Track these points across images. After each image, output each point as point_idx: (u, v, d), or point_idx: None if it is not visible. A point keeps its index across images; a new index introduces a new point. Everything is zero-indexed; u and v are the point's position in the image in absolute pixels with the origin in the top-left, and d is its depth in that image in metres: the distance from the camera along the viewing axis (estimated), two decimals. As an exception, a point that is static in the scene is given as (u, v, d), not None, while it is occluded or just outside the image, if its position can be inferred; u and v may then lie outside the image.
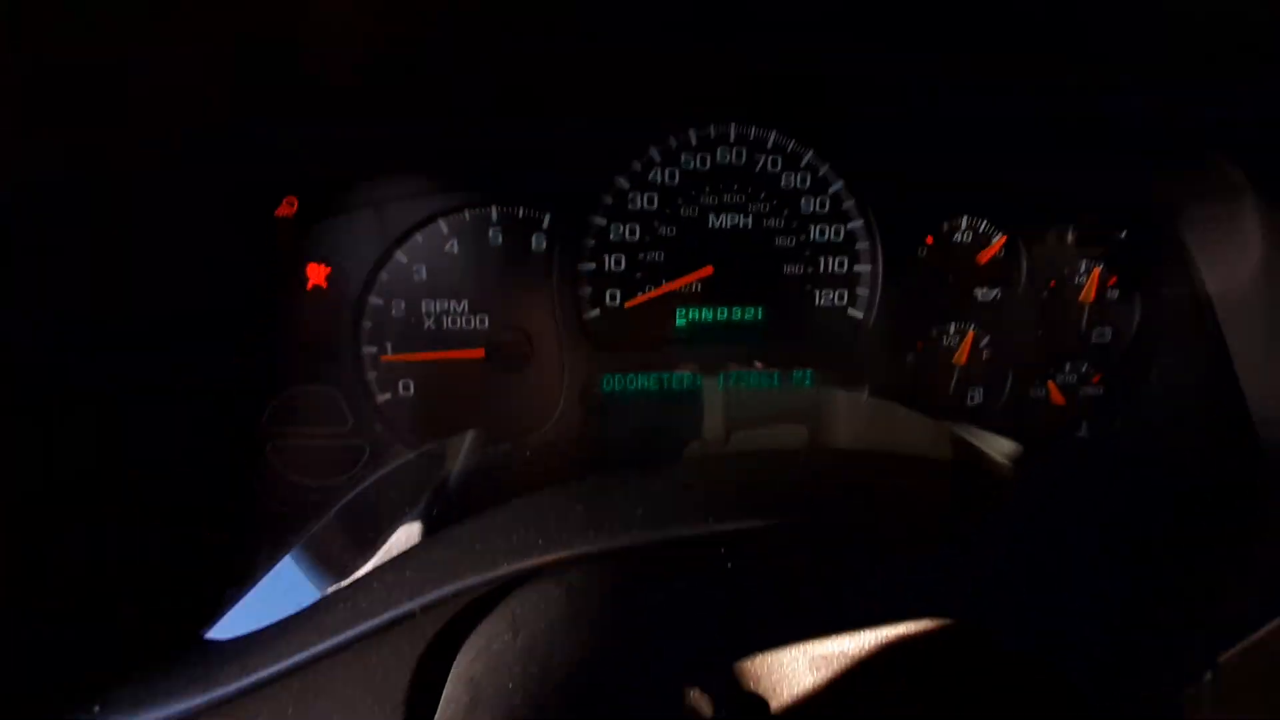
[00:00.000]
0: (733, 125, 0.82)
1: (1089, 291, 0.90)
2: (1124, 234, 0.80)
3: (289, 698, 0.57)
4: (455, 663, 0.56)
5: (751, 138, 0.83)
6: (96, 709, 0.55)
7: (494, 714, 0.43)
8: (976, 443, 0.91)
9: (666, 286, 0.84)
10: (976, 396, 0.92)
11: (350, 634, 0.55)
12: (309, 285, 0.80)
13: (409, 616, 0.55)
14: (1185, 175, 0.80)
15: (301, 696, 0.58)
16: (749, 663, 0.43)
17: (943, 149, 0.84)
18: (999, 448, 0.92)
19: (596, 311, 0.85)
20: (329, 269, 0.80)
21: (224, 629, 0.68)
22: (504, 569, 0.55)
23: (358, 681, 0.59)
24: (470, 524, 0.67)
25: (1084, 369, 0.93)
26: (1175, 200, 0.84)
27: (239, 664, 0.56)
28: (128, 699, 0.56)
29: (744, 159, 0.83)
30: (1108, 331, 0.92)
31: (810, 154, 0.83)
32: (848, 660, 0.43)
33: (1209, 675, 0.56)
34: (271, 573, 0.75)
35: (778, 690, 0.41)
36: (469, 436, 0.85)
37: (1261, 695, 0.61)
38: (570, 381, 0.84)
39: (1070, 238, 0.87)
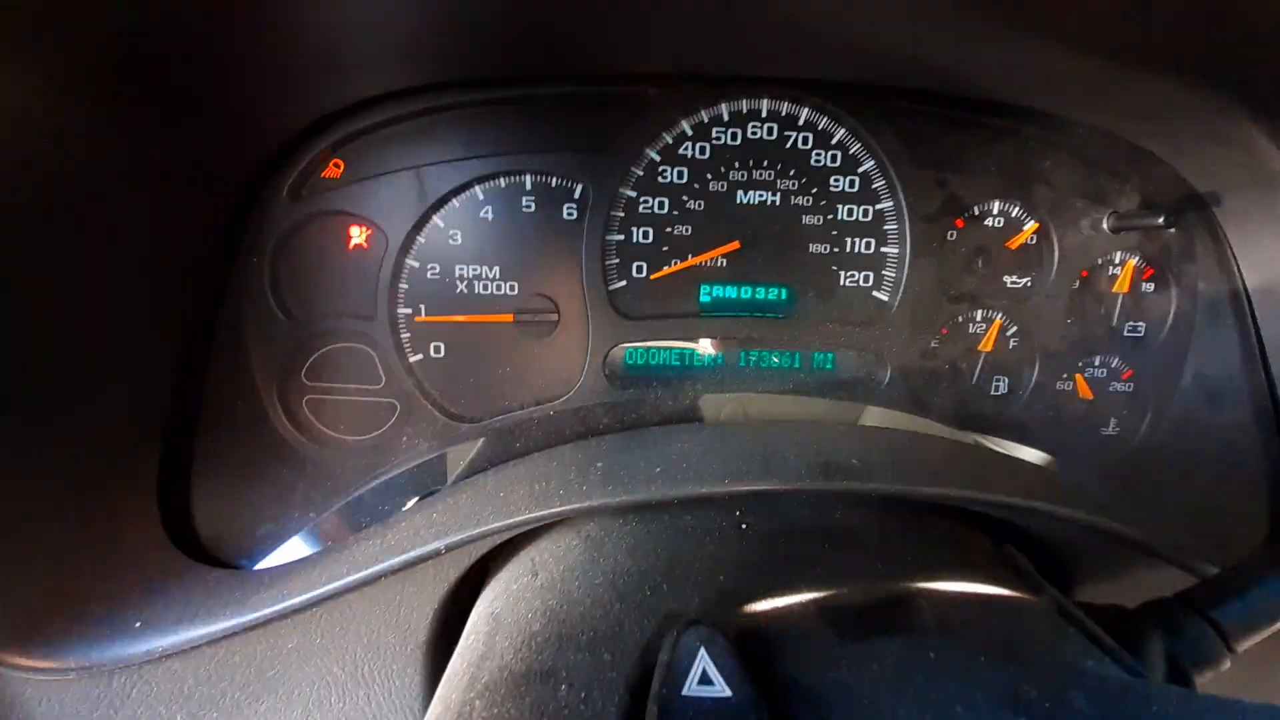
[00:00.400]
0: (765, 100, 0.82)
1: (1123, 283, 0.88)
2: (1160, 222, 0.78)
3: (318, 626, 0.61)
4: (476, 605, 0.58)
5: (783, 114, 0.83)
6: (137, 624, 0.58)
7: (513, 640, 0.45)
8: (1003, 451, 0.91)
9: (692, 260, 0.86)
10: (1001, 386, 0.92)
11: (378, 568, 0.57)
12: (350, 245, 0.83)
13: (434, 555, 0.58)
14: (1224, 164, 0.78)
15: (330, 626, 0.61)
16: (752, 604, 0.44)
17: (978, 133, 0.84)
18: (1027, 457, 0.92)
19: (623, 283, 0.86)
20: (370, 230, 0.83)
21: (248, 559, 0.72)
22: (525, 515, 0.58)
23: (383, 617, 0.62)
24: (495, 474, 0.70)
25: (1114, 363, 0.91)
26: (1214, 190, 0.82)
27: (273, 592, 0.59)
28: (169, 619, 0.60)
29: (775, 135, 0.83)
30: (1141, 325, 0.90)
31: (842, 132, 0.83)
32: (851, 610, 0.44)
33: (1227, 664, 0.55)
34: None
35: (779, 629, 0.42)
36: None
37: (1269, 679, 0.60)
38: (594, 351, 0.86)
39: (1105, 226, 0.85)
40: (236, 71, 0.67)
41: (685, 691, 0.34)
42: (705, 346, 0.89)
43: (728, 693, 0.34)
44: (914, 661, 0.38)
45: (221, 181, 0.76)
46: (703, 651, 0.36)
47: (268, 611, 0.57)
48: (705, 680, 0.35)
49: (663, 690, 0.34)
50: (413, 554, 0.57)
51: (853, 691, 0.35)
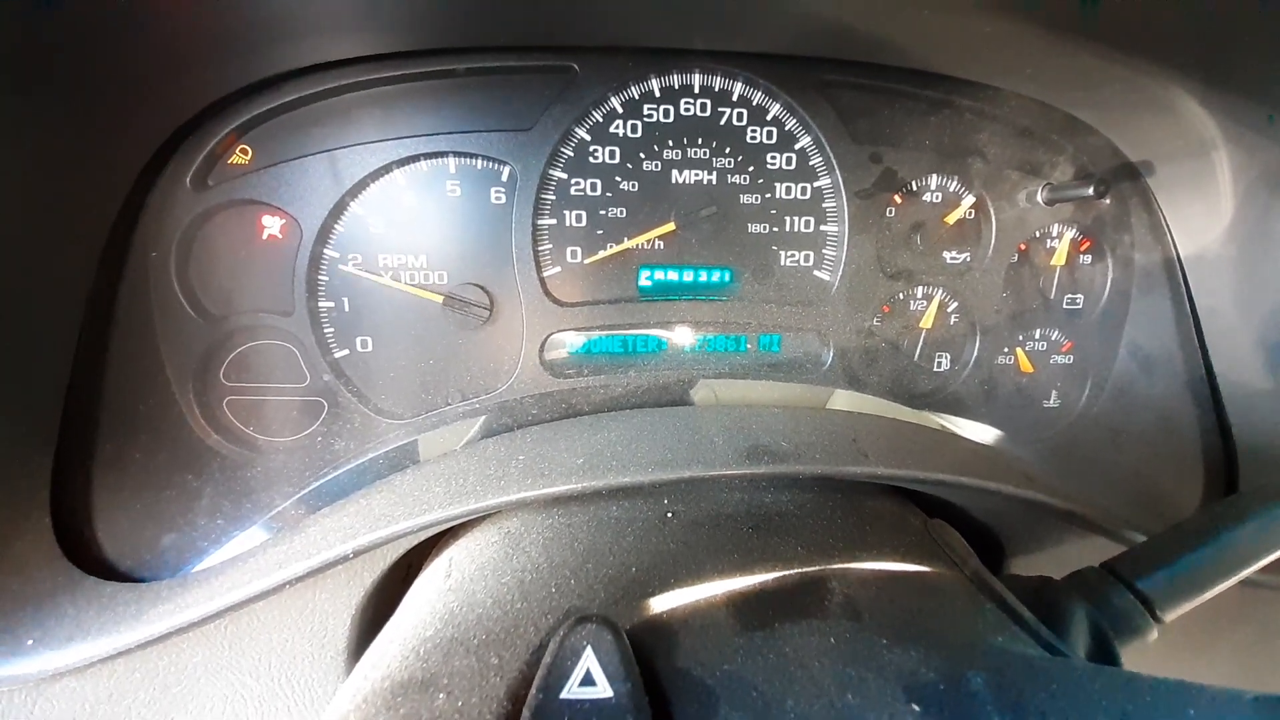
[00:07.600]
0: (696, 75, 0.79)
1: (1061, 255, 0.88)
2: (1091, 192, 0.77)
3: (224, 639, 0.57)
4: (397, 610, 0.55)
5: (716, 90, 0.80)
6: (29, 641, 0.55)
7: (404, 647, 0.42)
8: (952, 428, 0.90)
9: (628, 243, 0.83)
10: (943, 362, 0.91)
11: (281, 576, 0.54)
12: (263, 236, 0.79)
13: (342, 560, 0.55)
14: (1157, 132, 0.77)
15: (238, 638, 0.58)
16: (658, 595, 0.42)
17: (913, 106, 0.82)
18: (976, 435, 0.91)
19: (557, 269, 0.83)
20: (284, 219, 0.78)
21: (165, 572, 0.68)
22: (439, 514, 0.55)
23: (296, 626, 0.59)
24: (414, 471, 0.66)
25: (1054, 336, 0.92)
26: (1147, 159, 0.82)
27: (169, 605, 0.56)
28: (61, 636, 0.56)
29: (709, 112, 0.81)
30: (1079, 297, 0.91)
31: (777, 108, 0.81)
32: (759, 597, 0.43)
33: (1154, 635, 0.55)
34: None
35: (682, 621, 0.40)
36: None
37: (1198, 651, 0.61)
38: (529, 340, 0.83)
39: (1041, 198, 0.85)
40: (123, 46, 0.62)
41: (564, 694, 0.32)
42: (647, 332, 0.86)
43: (609, 694, 0.32)
44: (813, 648, 0.36)
45: (113, 169, 0.71)
46: (589, 650, 0.34)
47: (163, 626, 0.54)
48: (588, 681, 0.33)
49: (539, 695, 0.32)
50: (317, 560, 0.53)
51: (744, 683, 0.33)
